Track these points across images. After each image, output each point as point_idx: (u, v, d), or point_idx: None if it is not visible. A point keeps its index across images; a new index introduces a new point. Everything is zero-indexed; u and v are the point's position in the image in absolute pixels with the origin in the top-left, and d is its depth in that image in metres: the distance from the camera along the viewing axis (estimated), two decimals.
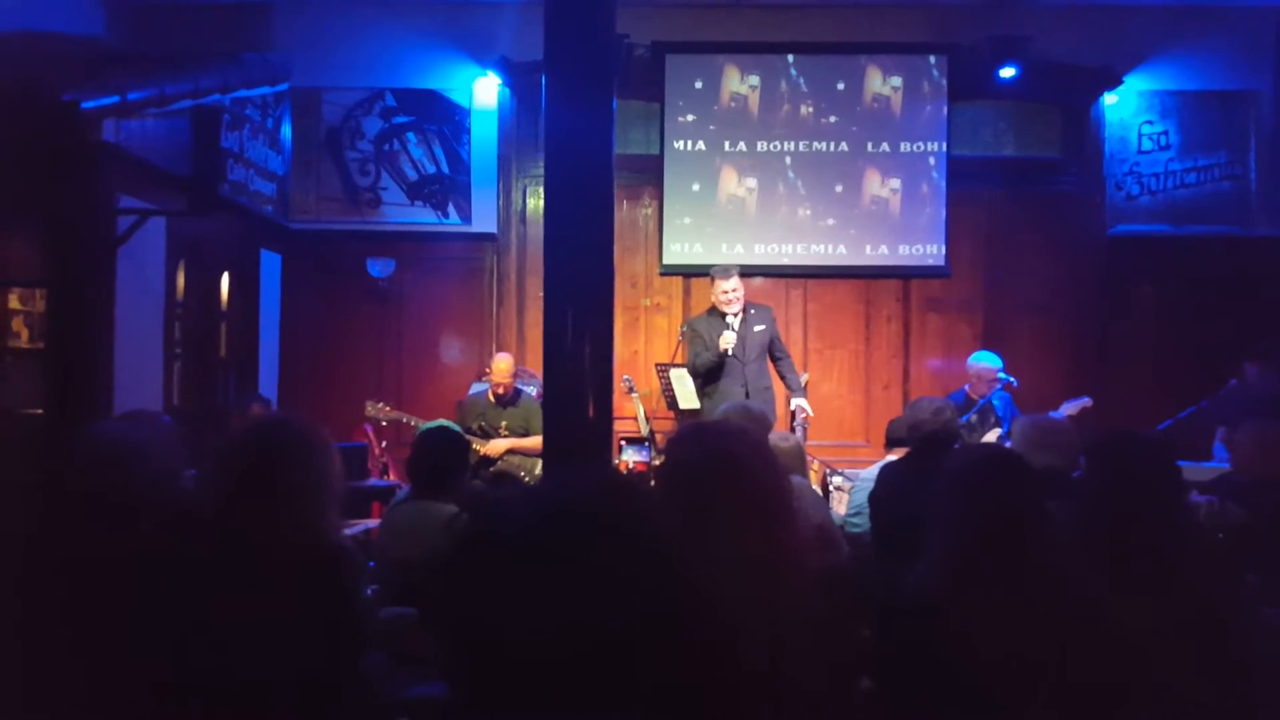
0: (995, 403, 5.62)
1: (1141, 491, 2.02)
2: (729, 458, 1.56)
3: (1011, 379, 5.75)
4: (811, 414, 5.77)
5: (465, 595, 0.84)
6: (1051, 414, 5.46)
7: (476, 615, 0.83)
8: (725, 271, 5.74)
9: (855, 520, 4.07)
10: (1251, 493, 3.66)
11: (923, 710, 1.82)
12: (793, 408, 5.66)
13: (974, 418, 5.50)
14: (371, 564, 3.00)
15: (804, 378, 6.12)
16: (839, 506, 5.09)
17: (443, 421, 4.73)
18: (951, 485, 1.90)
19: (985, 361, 5.89)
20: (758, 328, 5.69)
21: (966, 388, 5.88)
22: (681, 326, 6.25)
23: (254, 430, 1.89)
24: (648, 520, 0.87)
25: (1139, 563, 1.92)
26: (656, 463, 5.21)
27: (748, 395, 5.54)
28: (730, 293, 5.63)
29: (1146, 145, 7.01)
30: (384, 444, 6.32)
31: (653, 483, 4.59)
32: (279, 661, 1.65)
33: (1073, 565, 1.92)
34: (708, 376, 5.69)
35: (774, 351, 5.80)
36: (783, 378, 5.83)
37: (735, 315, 5.63)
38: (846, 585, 1.69)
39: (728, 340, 5.56)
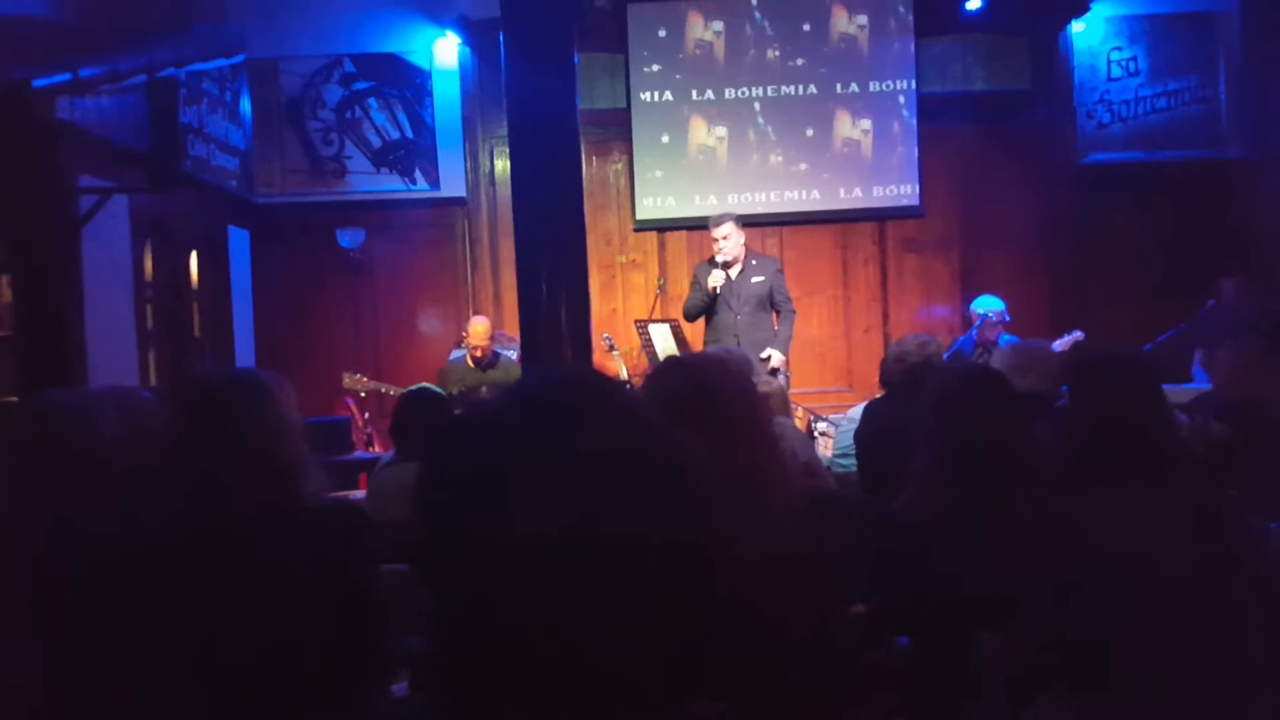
0: (1002, 345, 5.60)
1: (1124, 405, 2.01)
2: (707, 385, 1.55)
3: (989, 313, 5.75)
4: (781, 361, 5.58)
5: (443, 508, 0.80)
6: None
7: (455, 529, 0.78)
8: (717, 220, 5.64)
9: (842, 461, 4.07)
10: (1232, 410, 3.70)
11: (915, 632, 1.83)
12: (764, 354, 5.49)
13: (979, 355, 5.52)
14: None
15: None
16: (825, 451, 5.10)
17: (424, 384, 4.70)
18: (932, 405, 1.90)
19: (989, 306, 5.82)
20: (756, 279, 5.58)
21: (974, 333, 5.76)
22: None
23: (203, 382, 1.84)
24: (631, 411, 0.81)
25: (1124, 475, 1.92)
26: None
27: (739, 345, 5.34)
28: (720, 241, 5.53)
29: (1116, 72, 6.99)
30: (367, 415, 6.28)
31: None
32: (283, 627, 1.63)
33: (1058, 480, 1.92)
34: (697, 322, 5.65)
35: (774, 304, 5.67)
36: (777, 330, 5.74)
37: (730, 265, 5.53)
38: (835, 509, 1.68)
39: (715, 279, 5.46)
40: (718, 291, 5.49)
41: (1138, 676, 1.64)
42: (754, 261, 5.65)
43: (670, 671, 0.80)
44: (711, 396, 1.52)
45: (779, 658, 1.42)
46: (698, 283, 5.64)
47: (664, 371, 1.65)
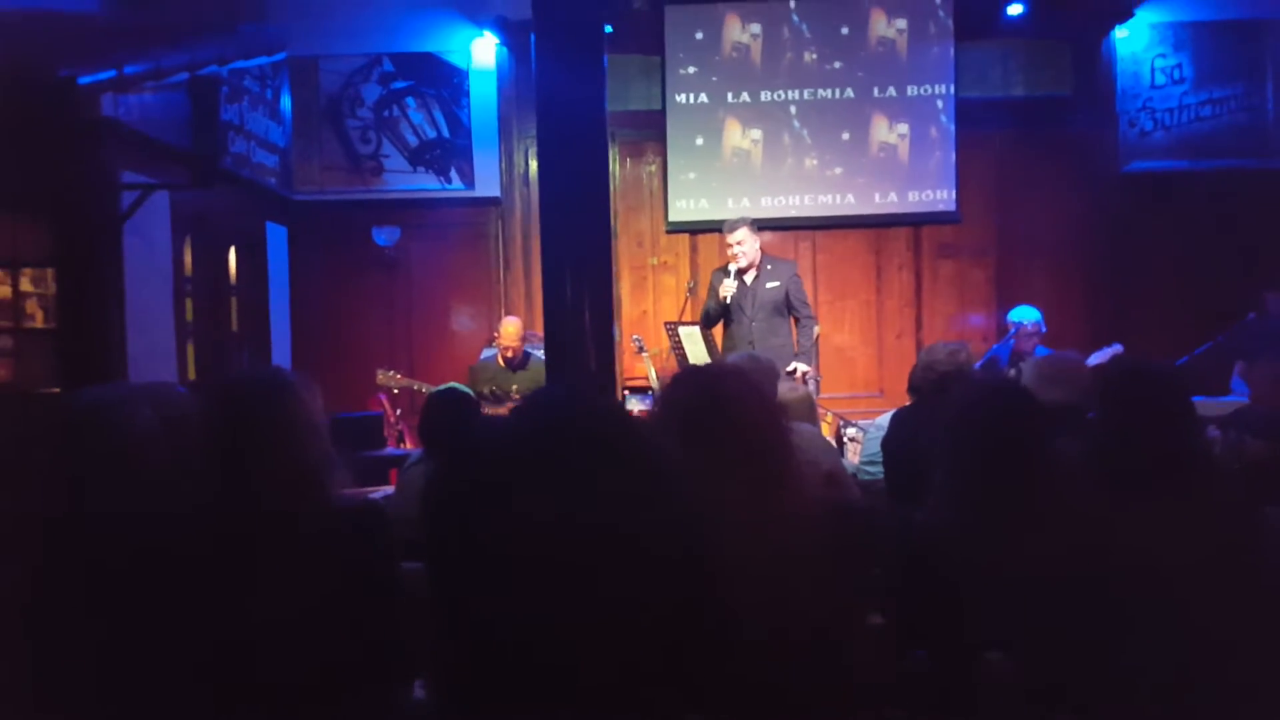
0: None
1: (1153, 418, 1.98)
2: (720, 395, 1.55)
3: (1024, 322, 5.69)
4: (806, 371, 5.45)
5: (445, 518, 0.82)
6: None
7: (456, 539, 0.81)
8: (730, 226, 5.56)
9: (869, 469, 4.04)
10: (1271, 425, 3.62)
11: (931, 643, 1.81)
12: (789, 369, 5.30)
13: (1011, 371, 5.47)
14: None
15: (816, 330, 5.97)
16: (854, 458, 5.06)
17: (452, 384, 4.74)
18: (954, 418, 1.89)
19: (1025, 317, 5.76)
20: (770, 284, 5.49)
21: (1011, 343, 5.69)
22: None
23: (228, 381, 1.86)
24: (627, 431, 0.84)
25: (1151, 492, 1.88)
26: None
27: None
28: (734, 247, 5.45)
29: (1160, 79, 6.86)
30: (399, 412, 6.34)
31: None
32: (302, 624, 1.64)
33: (1084, 496, 1.89)
34: (717, 328, 5.59)
35: (791, 310, 5.55)
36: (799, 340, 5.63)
37: (745, 271, 5.44)
38: (853, 520, 1.67)
39: (727, 288, 5.40)
40: (728, 300, 5.42)
41: (1156, 696, 1.61)
42: (769, 266, 5.54)
43: (666, 679, 0.83)
44: (726, 407, 1.52)
45: (788, 668, 1.41)
46: (713, 290, 5.58)
47: (681, 381, 1.66)
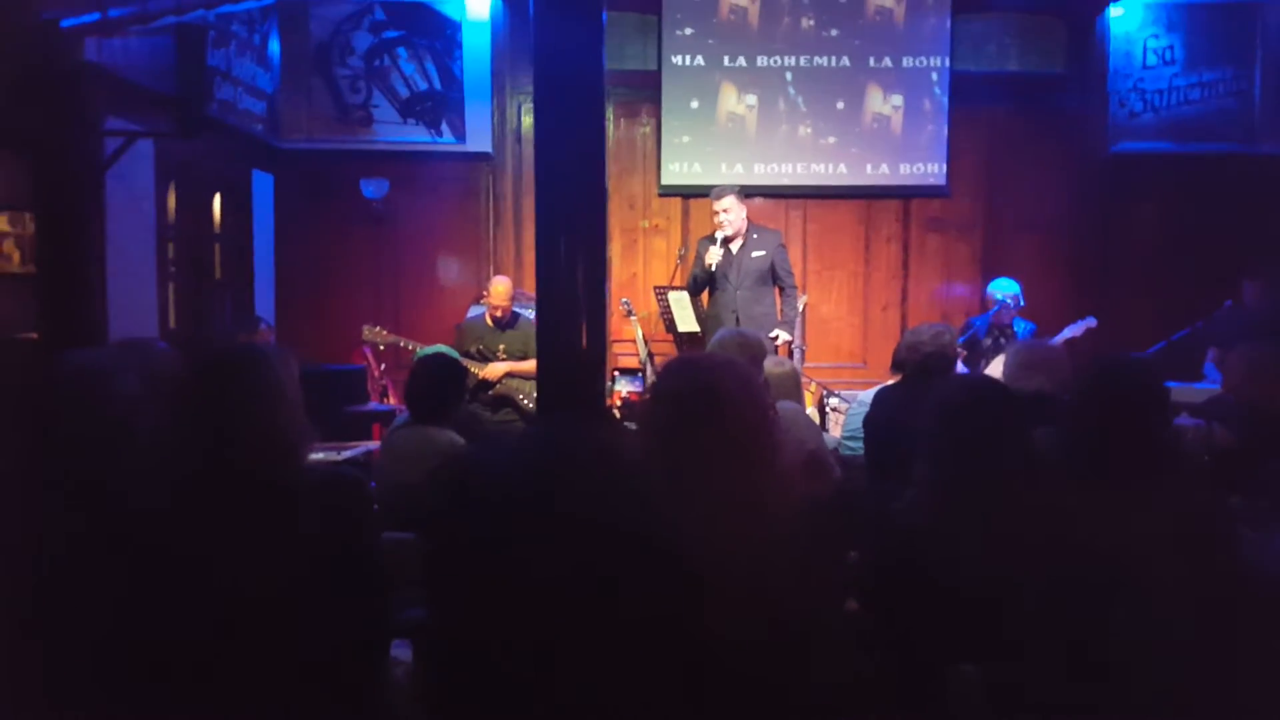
0: (1016, 330, 5.60)
1: (1126, 414, 1.99)
2: (711, 391, 1.55)
3: (1005, 299, 5.74)
4: (788, 340, 5.48)
5: (448, 550, 0.86)
6: (1055, 337, 5.45)
7: (459, 567, 0.85)
8: (718, 192, 5.54)
9: (850, 444, 4.10)
10: (1241, 416, 3.66)
11: (908, 631, 1.86)
12: (771, 335, 5.32)
13: (987, 341, 5.52)
14: (373, 484, 3.04)
15: (802, 300, 5.98)
16: (835, 429, 5.12)
17: (439, 347, 4.73)
18: (933, 415, 1.92)
19: (1004, 290, 5.81)
20: (756, 253, 5.47)
21: (991, 313, 5.73)
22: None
23: (203, 356, 1.85)
24: (621, 470, 0.88)
25: (1122, 484, 1.91)
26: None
27: (738, 321, 5.31)
28: (721, 214, 5.43)
29: (1151, 60, 6.86)
30: (383, 366, 6.34)
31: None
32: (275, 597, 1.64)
33: (1058, 488, 1.93)
34: (701, 296, 5.60)
35: (776, 280, 5.54)
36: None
37: (731, 239, 5.42)
38: (833, 513, 1.70)
39: (713, 256, 5.39)
40: (713, 268, 5.41)
41: (1129, 690, 1.66)
42: (755, 235, 5.52)
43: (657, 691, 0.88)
44: (714, 404, 1.53)
45: (768, 665, 1.44)
46: (699, 257, 5.56)
47: (670, 373, 1.66)
